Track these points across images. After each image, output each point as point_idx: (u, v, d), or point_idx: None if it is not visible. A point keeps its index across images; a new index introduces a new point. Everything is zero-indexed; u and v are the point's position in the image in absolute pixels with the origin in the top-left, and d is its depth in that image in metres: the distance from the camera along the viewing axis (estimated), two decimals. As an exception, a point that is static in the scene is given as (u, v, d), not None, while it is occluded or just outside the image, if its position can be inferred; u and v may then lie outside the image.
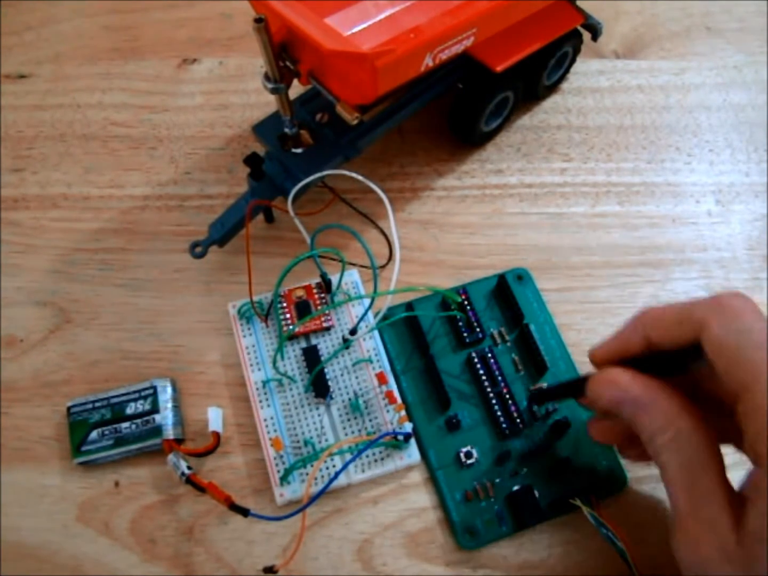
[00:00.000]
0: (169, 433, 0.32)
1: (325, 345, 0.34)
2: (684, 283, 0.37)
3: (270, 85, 0.32)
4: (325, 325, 0.34)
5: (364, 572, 0.30)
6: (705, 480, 0.23)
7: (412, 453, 0.32)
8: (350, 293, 0.36)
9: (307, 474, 0.31)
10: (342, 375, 0.33)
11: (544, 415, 0.32)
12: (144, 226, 0.39)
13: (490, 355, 0.33)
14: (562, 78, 0.43)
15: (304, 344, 0.34)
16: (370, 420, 0.32)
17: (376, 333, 0.34)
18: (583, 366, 0.33)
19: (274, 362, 0.33)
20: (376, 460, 0.32)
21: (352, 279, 0.36)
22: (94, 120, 0.43)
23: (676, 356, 0.25)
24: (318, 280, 0.35)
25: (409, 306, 0.35)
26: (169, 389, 0.33)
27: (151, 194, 0.40)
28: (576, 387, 0.29)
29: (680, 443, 0.24)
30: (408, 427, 0.32)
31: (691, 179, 0.41)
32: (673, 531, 0.24)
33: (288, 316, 0.34)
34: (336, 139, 0.36)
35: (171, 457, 0.31)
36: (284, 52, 0.32)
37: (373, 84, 0.31)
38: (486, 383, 0.33)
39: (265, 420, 0.32)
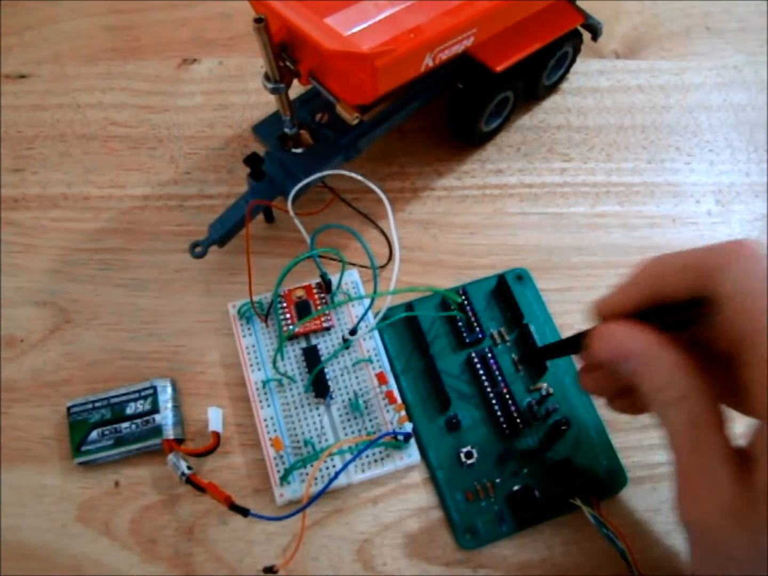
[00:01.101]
0: (169, 433, 0.32)
1: (325, 345, 0.34)
2: (684, 283, 0.37)
3: (270, 85, 0.32)
4: (325, 325, 0.34)
5: (364, 572, 0.30)
6: (710, 437, 0.23)
7: (412, 453, 0.32)
8: (350, 293, 0.36)
9: (307, 474, 0.31)
10: (342, 375, 0.33)
11: (544, 415, 0.32)
12: (144, 226, 0.39)
13: (490, 355, 0.33)
14: (562, 78, 0.43)
15: (304, 344, 0.34)
16: (370, 420, 0.32)
17: (376, 333, 0.34)
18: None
19: (274, 362, 0.33)
20: (376, 460, 0.32)
21: (352, 279, 0.36)
22: (94, 120, 0.43)
23: (683, 307, 0.24)
24: (318, 280, 0.35)
25: (409, 306, 0.35)
26: (169, 389, 0.33)
27: (151, 194, 0.40)
28: (575, 343, 0.28)
29: (685, 400, 0.23)
30: (408, 427, 0.32)
31: (691, 179, 0.41)
32: (676, 493, 0.24)
33: (288, 316, 0.34)
34: (336, 139, 0.36)
35: (171, 457, 0.31)
36: (284, 52, 0.32)
37: (373, 84, 0.31)
38: (486, 383, 0.33)
39: (265, 420, 0.32)
